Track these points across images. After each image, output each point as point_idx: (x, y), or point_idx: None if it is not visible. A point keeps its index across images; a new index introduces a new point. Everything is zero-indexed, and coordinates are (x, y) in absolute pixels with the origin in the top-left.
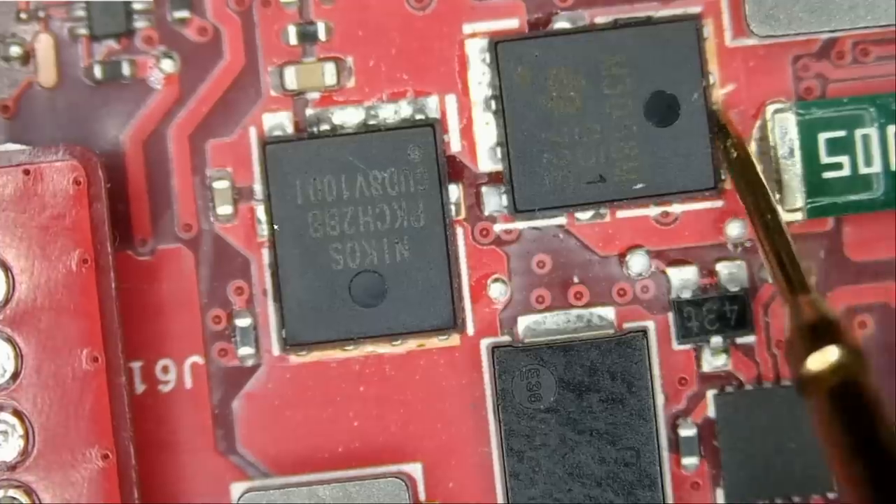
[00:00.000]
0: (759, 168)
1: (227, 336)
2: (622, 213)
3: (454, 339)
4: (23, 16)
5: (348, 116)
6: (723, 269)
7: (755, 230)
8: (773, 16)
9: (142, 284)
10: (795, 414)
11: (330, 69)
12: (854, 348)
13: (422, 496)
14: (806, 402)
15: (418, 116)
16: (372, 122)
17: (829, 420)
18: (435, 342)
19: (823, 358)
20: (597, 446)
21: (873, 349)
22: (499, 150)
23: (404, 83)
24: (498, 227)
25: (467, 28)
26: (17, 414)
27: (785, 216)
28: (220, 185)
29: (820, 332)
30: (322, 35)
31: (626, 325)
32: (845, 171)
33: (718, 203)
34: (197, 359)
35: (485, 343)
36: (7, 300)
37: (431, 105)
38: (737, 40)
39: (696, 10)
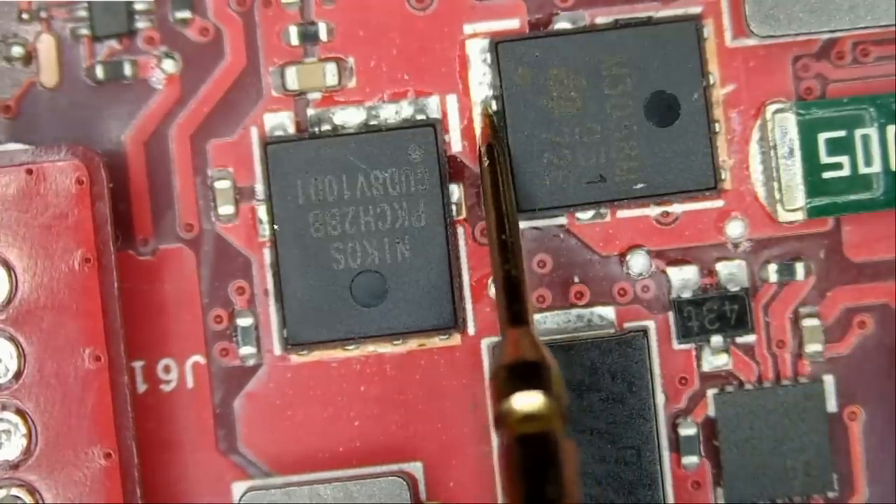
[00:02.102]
0: (511, 186)
1: (229, 336)
2: (622, 213)
3: (455, 339)
4: (25, 16)
5: (349, 116)
6: (723, 268)
7: (490, 249)
8: (773, 16)
9: (143, 284)
10: (795, 413)
11: (331, 69)
12: (557, 400)
13: (423, 495)
14: (498, 436)
15: (419, 116)
16: (373, 122)
17: (513, 463)
18: (436, 342)
19: (527, 400)
20: (597, 445)
21: (873, 349)
22: None
23: (405, 83)
24: None
25: (468, 28)
26: (20, 413)
27: (785, 216)
28: (222, 185)
29: (528, 371)
30: (323, 35)
31: (627, 325)
32: (845, 171)
33: (718, 203)
34: (198, 358)
35: (485, 342)
36: (10, 299)
37: (432, 105)
38: (737, 40)
39: (696, 10)
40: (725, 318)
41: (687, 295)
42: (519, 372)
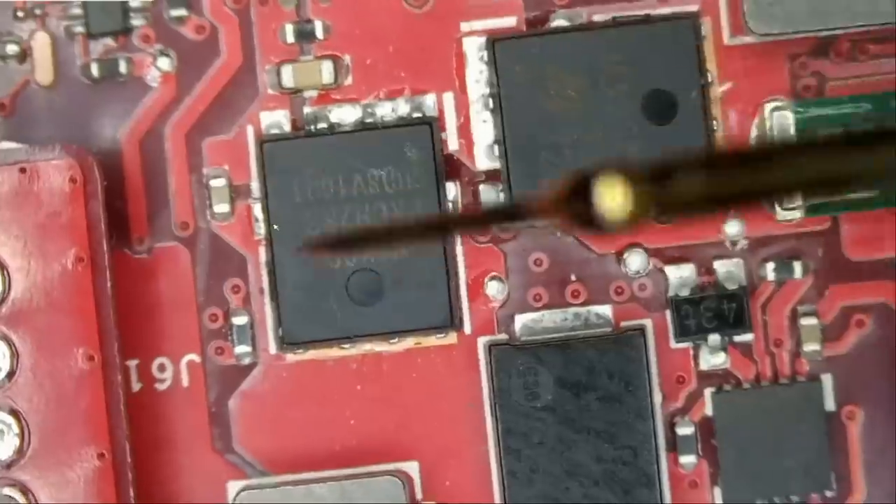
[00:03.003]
0: None
1: (224, 334)
2: None
3: (451, 338)
4: (19, 14)
5: (346, 114)
6: (721, 267)
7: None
8: (772, 14)
9: (138, 283)
10: (793, 413)
11: (327, 67)
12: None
13: (419, 495)
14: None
15: (416, 114)
16: (369, 120)
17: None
18: (432, 341)
19: (612, 198)
20: (594, 445)
21: (872, 348)
22: (496, 148)
23: (402, 81)
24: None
25: (465, 26)
26: (13, 412)
27: (783, 214)
28: (217, 183)
29: (581, 186)
30: (319, 33)
31: (624, 324)
32: None
33: None
34: (193, 357)
35: (482, 341)
36: (3, 299)
37: (429, 103)
38: (735, 38)
39: (694, 8)
40: (723, 316)
41: (684, 293)
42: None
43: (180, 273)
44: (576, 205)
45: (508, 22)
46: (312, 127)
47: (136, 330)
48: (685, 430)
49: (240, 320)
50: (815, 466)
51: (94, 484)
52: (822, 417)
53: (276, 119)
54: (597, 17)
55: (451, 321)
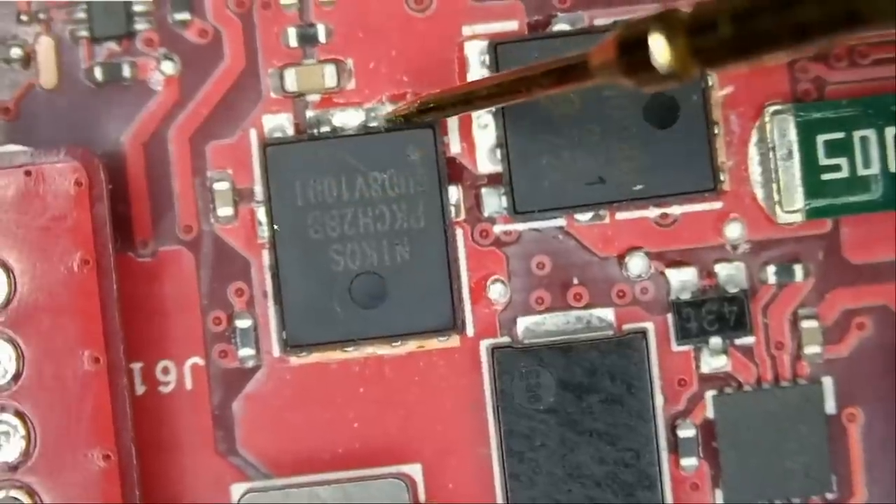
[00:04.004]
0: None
1: (228, 337)
2: (621, 215)
3: (454, 341)
4: (24, 18)
5: (348, 118)
6: (722, 270)
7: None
8: None
9: (143, 286)
10: (794, 415)
11: (330, 71)
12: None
13: (421, 497)
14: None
15: None
16: (372, 123)
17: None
18: (435, 343)
19: (660, 50)
20: (596, 447)
21: (872, 351)
22: (498, 151)
23: (404, 85)
24: (497, 229)
25: (467, 30)
26: (19, 415)
27: (784, 217)
28: (221, 186)
29: (633, 38)
30: (322, 37)
31: (626, 327)
32: (844, 173)
33: (717, 204)
34: (197, 360)
35: (484, 344)
36: (8, 301)
37: None
38: None
39: None
40: (724, 319)
41: (686, 296)
42: (632, 36)
43: (184, 276)
44: (627, 58)
45: (510, 26)
46: (315, 130)
47: (140, 333)
48: (686, 432)
49: (243, 323)
50: (815, 468)
51: (100, 486)
52: (822, 420)
53: (279, 122)
54: (598, 22)
55: (454, 324)
